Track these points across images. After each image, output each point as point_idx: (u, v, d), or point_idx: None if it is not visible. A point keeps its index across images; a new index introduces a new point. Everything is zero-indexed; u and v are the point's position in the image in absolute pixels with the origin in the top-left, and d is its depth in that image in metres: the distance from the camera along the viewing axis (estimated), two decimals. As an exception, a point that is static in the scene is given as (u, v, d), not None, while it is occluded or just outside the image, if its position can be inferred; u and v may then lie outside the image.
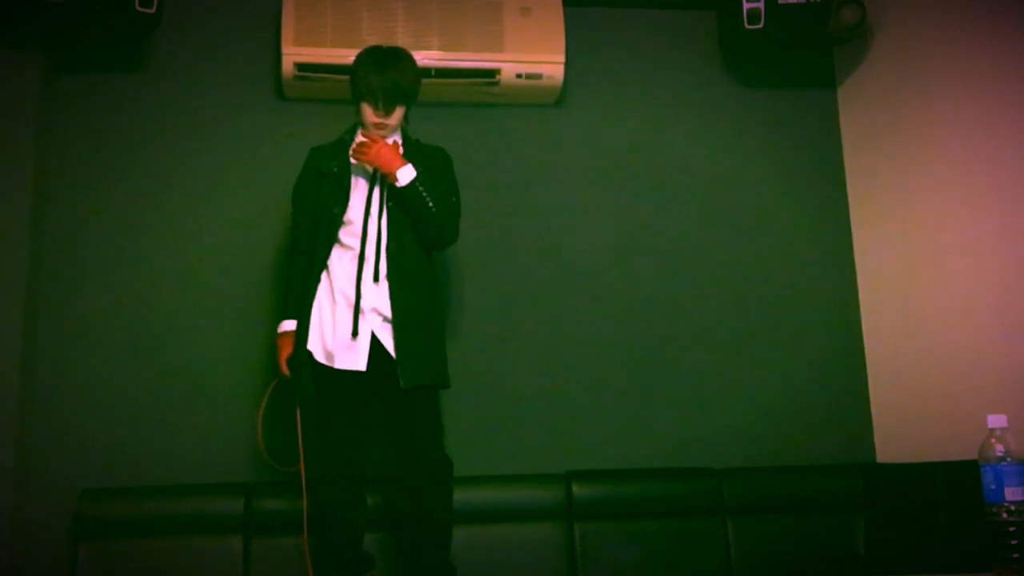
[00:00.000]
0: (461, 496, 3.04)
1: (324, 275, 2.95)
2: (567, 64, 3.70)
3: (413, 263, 2.95)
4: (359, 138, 3.02)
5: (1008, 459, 2.15)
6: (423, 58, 3.52)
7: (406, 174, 2.92)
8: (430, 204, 2.94)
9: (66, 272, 3.47)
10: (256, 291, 3.53)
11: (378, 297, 2.90)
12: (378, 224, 2.93)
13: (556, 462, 3.50)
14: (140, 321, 3.48)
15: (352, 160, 2.99)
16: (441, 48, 3.59)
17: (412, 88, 2.99)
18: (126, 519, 3.20)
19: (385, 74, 2.93)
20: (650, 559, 3.35)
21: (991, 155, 3.22)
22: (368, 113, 2.96)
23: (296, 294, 3.00)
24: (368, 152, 2.93)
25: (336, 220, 2.94)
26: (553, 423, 3.62)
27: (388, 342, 2.88)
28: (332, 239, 2.95)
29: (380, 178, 2.97)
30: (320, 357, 2.90)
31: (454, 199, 3.05)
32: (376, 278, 2.90)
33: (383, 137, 2.99)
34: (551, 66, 3.68)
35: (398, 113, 2.96)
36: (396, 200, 2.95)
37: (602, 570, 3.32)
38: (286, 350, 2.97)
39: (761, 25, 3.68)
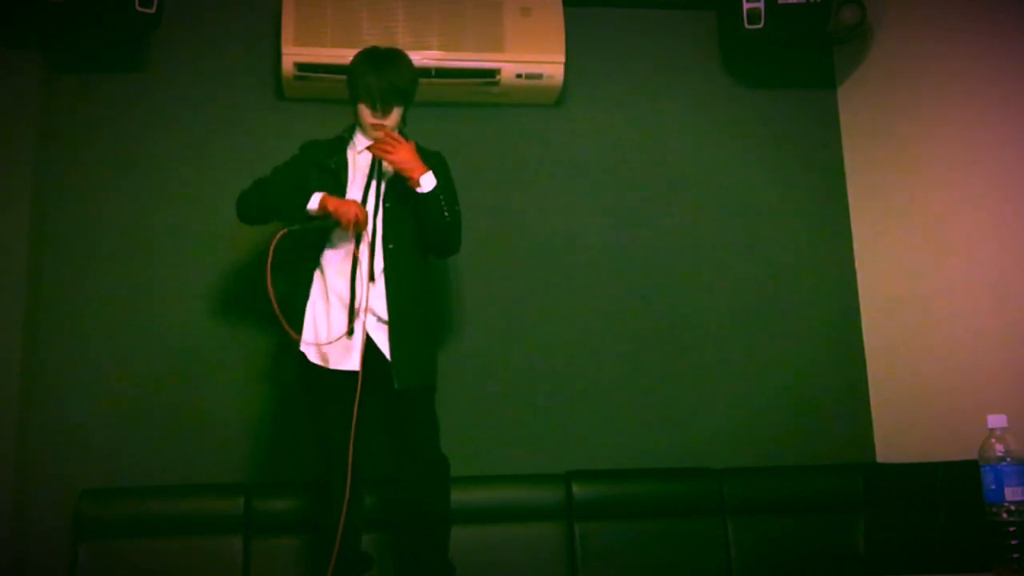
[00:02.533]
0: (461, 496, 3.04)
1: (317, 273, 2.94)
2: (567, 64, 3.70)
3: (410, 263, 2.95)
4: (359, 139, 3.02)
5: (1008, 459, 2.15)
6: (423, 58, 3.52)
7: (428, 181, 2.91)
8: (446, 213, 2.95)
9: (66, 272, 3.47)
10: (257, 291, 3.52)
11: (373, 297, 2.89)
12: (374, 223, 2.93)
13: (556, 462, 3.50)
14: (140, 321, 3.48)
15: (369, 153, 2.96)
16: (441, 48, 3.59)
17: (409, 88, 2.99)
18: (126, 519, 3.20)
19: (381, 75, 2.93)
20: (650, 559, 3.35)
21: (991, 155, 3.22)
22: (366, 114, 2.96)
23: (288, 191, 2.94)
24: (394, 153, 2.90)
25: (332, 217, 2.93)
26: (553, 423, 3.62)
27: (382, 342, 2.88)
28: (326, 236, 2.94)
29: (378, 176, 2.97)
30: (314, 358, 2.90)
31: (456, 207, 3.06)
32: (372, 277, 2.89)
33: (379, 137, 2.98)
34: (551, 66, 3.68)
35: (395, 114, 2.96)
36: (395, 202, 2.94)
37: (602, 570, 3.32)
38: (343, 204, 2.85)
39: (761, 25, 3.68)
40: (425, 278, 3.03)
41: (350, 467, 2.87)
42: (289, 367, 2.93)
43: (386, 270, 2.90)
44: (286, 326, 2.87)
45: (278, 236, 2.90)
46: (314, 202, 2.89)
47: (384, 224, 2.93)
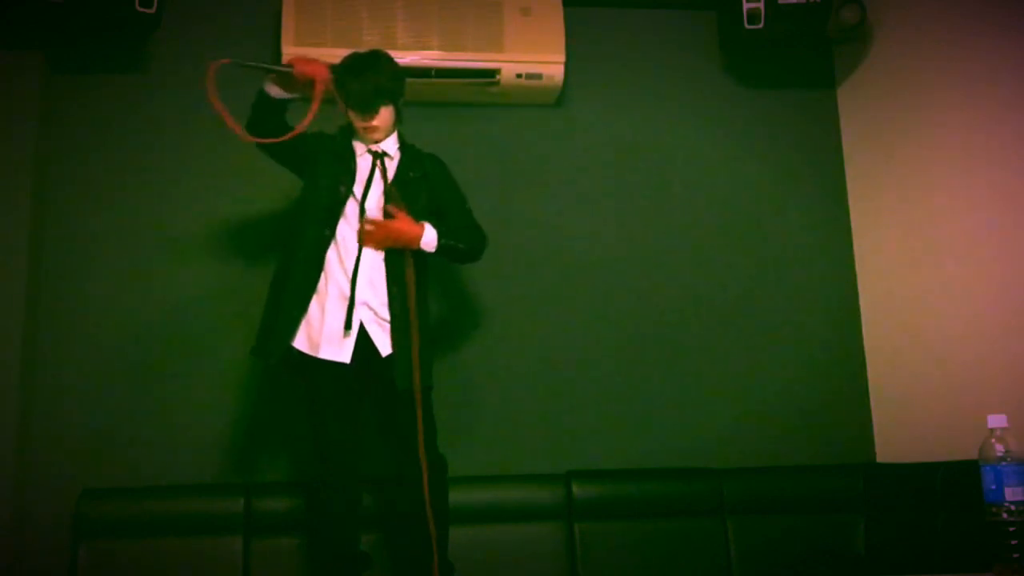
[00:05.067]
0: (461, 496, 3.04)
1: (324, 272, 2.93)
2: (567, 64, 3.70)
3: (410, 264, 2.95)
4: (356, 144, 3.01)
5: (1008, 459, 2.15)
6: (423, 58, 3.53)
7: (429, 239, 2.93)
8: (461, 245, 3.03)
9: (66, 272, 3.47)
10: (256, 291, 3.52)
11: (371, 293, 2.89)
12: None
13: (556, 462, 3.50)
14: (140, 320, 3.48)
15: (369, 156, 2.98)
16: (441, 48, 3.59)
17: (391, 85, 2.98)
18: (126, 519, 3.20)
19: (362, 79, 2.94)
20: (650, 559, 3.35)
21: (991, 155, 3.22)
22: (356, 119, 2.97)
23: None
24: (378, 236, 2.90)
25: (340, 202, 2.91)
26: (553, 423, 3.62)
27: (378, 338, 2.88)
28: (335, 221, 2.92)
29: (383, 173, 2.97)
30: (302, 346, 2.89)
31: (467, 205, 3.11)
32: (394, 282, 2.90)
33: (376, 140, 2.99)
34: (551, 66, 3.68)
35: (384, 113, 2.96)
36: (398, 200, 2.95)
37: (602, 570, 3.32)
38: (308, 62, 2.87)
39: (761, 25, 3.68)
40: (425, 279, 3.04)
41: (352, 467, 2.88)
42: (271, 354, 2.91)
43: (387, 271, 2.90)
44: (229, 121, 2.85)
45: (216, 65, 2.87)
46: (271, 87, 2.89)
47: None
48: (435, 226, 2.96)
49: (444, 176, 3.10)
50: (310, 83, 2.89)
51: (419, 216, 2.97)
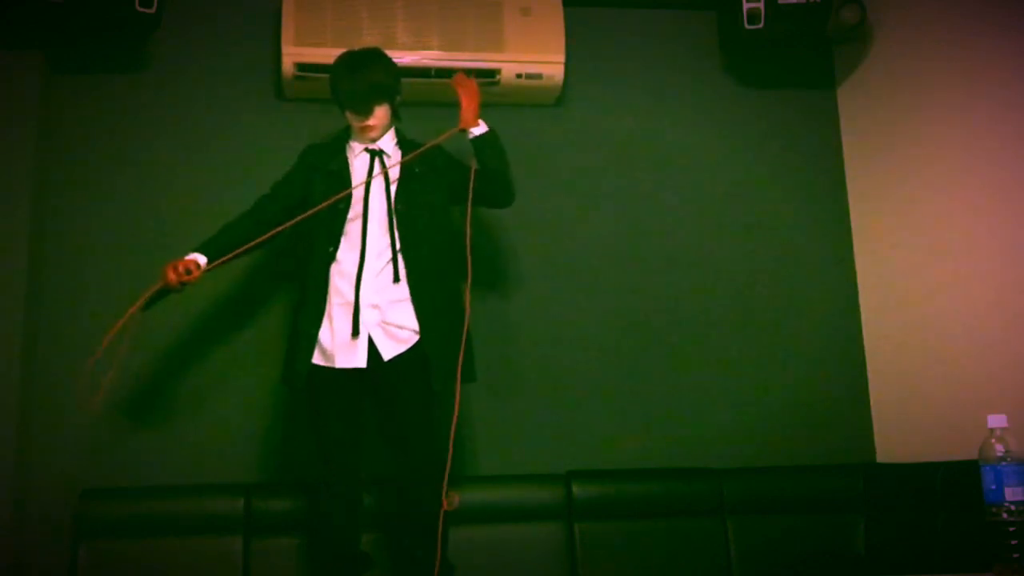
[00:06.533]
0: (461, 496, 3.04)
1: (331, 279, 2.93)
2: (567, 64, 3.70)
3: (430, 262, 2.95)
4: (353, 143, 3.01)
5: (1008, 459, 2.16)
6: (423, 58, 3.53)
7: (483, 126, 3.05)
8: (502, 146, 3.08)
9: (66, 272, 3.47)
10: (256, 291, 3.53)
11: (376, 295, 2.89)
12: (386, 223, 2.93)
13: (556, 462, 3.50)
14: (140, 321, 3.47)
15: (367, 156, 2.98)
16: (441, 48, 3.59)
17: (385, 84, 2.98)
18: (126, 519, 3.20)
19: (357, 77, 2.94)
20: (650, 559, 3.35)
21: (991, 155, 3.22)
22: (352, 118, 2.97)
23: (225, 240, 2.95)
24: (473, 98, 3.06)
25: (341, 217, 2.93)
26: (553, 423, 3.62)
27: (380, 342, 2.88)
28: (338, 236, 2.93)
29: (384, 173, 2.97)
30: (319, 360, 2.90)
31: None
32: (396, 278, 2.89)
33: (373, 138, 2.99)
34: (551, 66, 3.68)
35: (380, 112, 2.96)
36: (406, 204, 2.95)
37: (602, 570, 3.32)
38: (179, 265, 2.84)
39: (761, 25, 3.68)
40: (449, 274, 3.02)
41: (353, 467, 2.88)
42: (296, 377, 2.91)
43: (408, 271, 2.90)
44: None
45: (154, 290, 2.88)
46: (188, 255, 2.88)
47: (399, 225, 2.93)
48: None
49: (447, 159, 3.10)
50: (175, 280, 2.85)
51: (434, 209, 2.98)
